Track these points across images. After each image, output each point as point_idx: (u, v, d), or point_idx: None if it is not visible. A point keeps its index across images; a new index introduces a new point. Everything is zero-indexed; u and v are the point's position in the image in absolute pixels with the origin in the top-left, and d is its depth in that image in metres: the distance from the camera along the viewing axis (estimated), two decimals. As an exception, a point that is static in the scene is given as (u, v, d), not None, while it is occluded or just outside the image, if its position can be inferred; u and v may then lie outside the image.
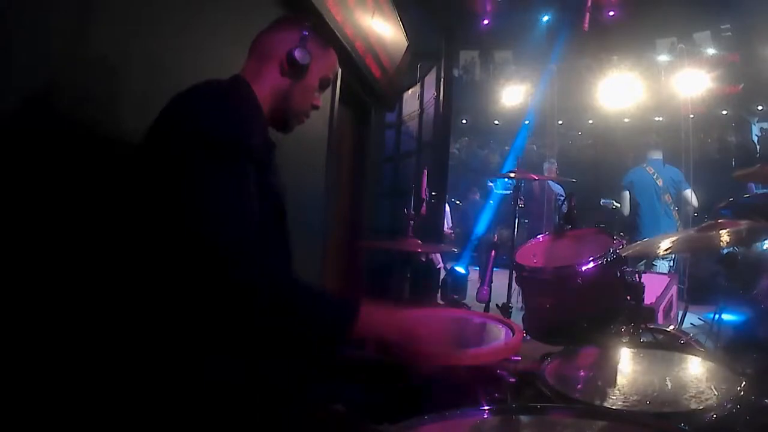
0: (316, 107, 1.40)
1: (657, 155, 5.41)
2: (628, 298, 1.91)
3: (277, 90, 1.31)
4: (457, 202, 9.28)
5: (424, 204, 3.27)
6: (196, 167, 1.05)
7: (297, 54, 1.27)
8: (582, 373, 1.50)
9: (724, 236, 1.61)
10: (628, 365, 1.55)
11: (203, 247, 1.01)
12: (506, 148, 10.94)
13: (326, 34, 1.39)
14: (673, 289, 3.73)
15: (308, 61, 1.29)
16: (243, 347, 1.10)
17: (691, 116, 6.90)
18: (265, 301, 1.03)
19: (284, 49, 1.29)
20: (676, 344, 1.86)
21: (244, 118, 1.17)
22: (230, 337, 1.08)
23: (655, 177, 5.26)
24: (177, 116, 1.13)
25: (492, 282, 3.58)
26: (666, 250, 1.82)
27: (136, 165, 1.15)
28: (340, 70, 3.51)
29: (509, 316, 2.83)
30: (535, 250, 2.29)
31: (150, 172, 1.10)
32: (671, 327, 2.35)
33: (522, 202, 3.39)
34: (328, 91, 3.41)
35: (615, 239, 2.02)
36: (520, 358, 1.51)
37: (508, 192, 8.38)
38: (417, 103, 6.38)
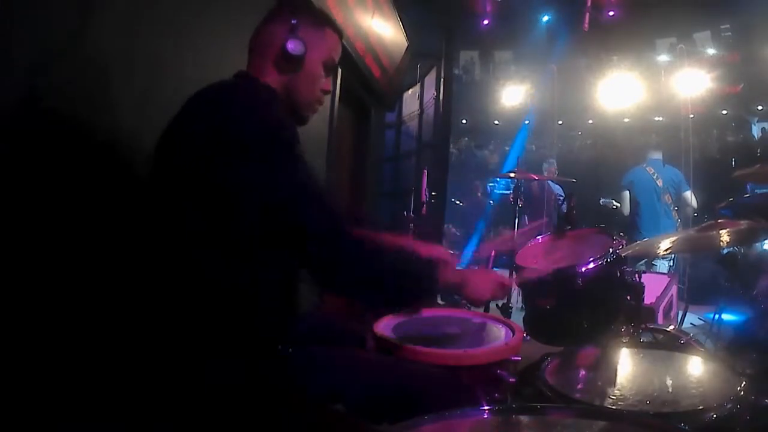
0: (327, 92, 1.39)
1: (656, 155, 5.40)
2: (628, 298, 1.91)
3: (281, 85, 1.31)
4: (458, 202, 9.27)
5: (425, 205, 3.28)
6: (268, 162, 1.11)
7: (290, 46, 1.26)
8: (582, 373, 1.50)
9: (724, 236, 1.61)
10: (628, 365, 1.55)
11: (302, 230, 1.12)
12: (506, 148, 10.93)
13: (319, 16, 1.37)
14: (673, 289, 3.72)
15: (303, 51, 1.28)
16: (241, 347, 1.10)
17: (691, 116, 6.88)
18: (361, 264, 1.17)
19: (278, 42, 1.28)
20: (676, 344, 1.85)
21: (278, 111, 1.22)
22: (227, 337, 1.08)
23: (655, 177, 5.26)
24: (212, 116, 1.14)
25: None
26: (666, 250, 1.81)
27: (162, 166, 1.16)
28: (340, 71, 3.52)
29: (509, 316, 2.83)
30: (535, 251, 2.29)
31: (189, 171, 1.11)
32: (671, 327, 2.34)
33: (522, 202, 3.39)
34: (328, 91, 3.41)
35: (615, 239, 2.02)
36: (520, 358, 1.51)
37: (508, 192, 8.37)
38: (417, 103, 6.38)
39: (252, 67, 1.33)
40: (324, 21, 1.37)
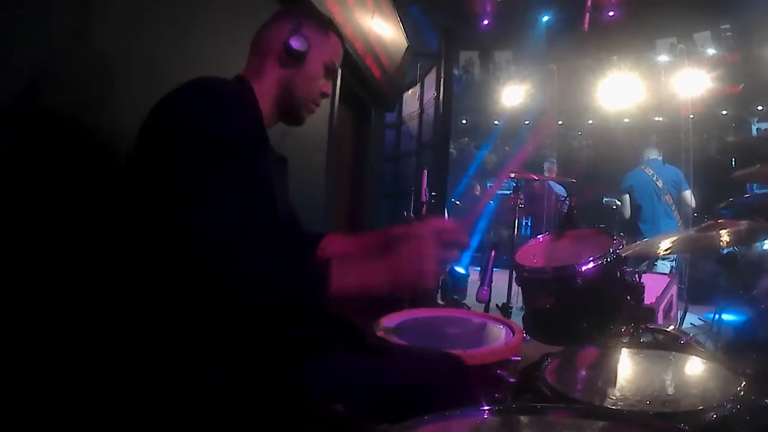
0: (325, 95, 1.39)
1: (654, 155, 5.40)
2: (628, 298, 1.91)
3: (279, 82, 1.31)
4: (457, 202, 9.27)
5: (424, 205, 3.28)
6: (174, 159, 1.05)
7: (293, 42, 1.26)
8: (582, 373, 1.50)
9: (724, 236, 1.61)
10: (628, 365, 1.55)
11: (180, 239, 1.00)
12: (506, 148, 10.94)
13: (323, 20, 1.37)
14: (673, 289, 3.73)
15: (306, 48, 1.28)
16: (241, 347, 1.10)
17: (691, 116, 6.89)
18: (240, 293, 1.01)
19: (281, 39, 1.28)
20: (676, 344, 1.86)
21: (229, 113, 1.14)
22: (227, 337, 1.08)
23: (654, 178, 5.25)
24: (164, 109, 1.13)
25: (492, 282, 3.58)
26: (666, 250, 1.82)
27: (130, 162, 1.15)
28: (340, 71, 3.52)
29: (509, 316, 2.84)
30: (535, 250, 2.30)
31: (139, 167, 1.11)
32: (671, 327, 2.35)
33: (522, 202, 3.40)
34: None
35: (615, 239, 2.02)
36: (520, 358, 1.51)
37: (508, 192, 8.38)
38: (417, 103, 6.38)
39: (249, 67, 1.33)
40: (328, 25, 1.38)
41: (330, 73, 1.39)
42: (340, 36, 1.41)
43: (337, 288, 1.08)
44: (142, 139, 1.13)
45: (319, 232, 1.55)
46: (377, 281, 1.13)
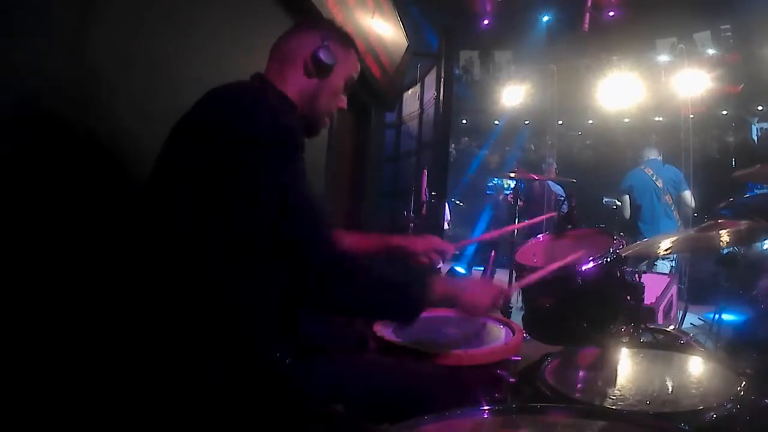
0: (341, 108, 1.44)
1: (654, 155, 5.39)
2: (628, 298, 1.91)
3: (303, 91, 1.32)
4: (458, 202, 9.26)
5: (424, 205, 3.28)
6: (265, 163, 1.11)
7: (322, 54, 1.29)
8: (582, 373, 1.50)
9: (724, 236, 1.61)
10: (628, 365, 1.55)
11: (290, 238, 1.12)
12: (506, 148, 10.93)
13: (347, 35, 1.41)
14: (673, 289, 3.72)
15: (333, 61, 1.31)
16: (241, 347, 1.10)
17: (691, 116, 6.89)
18: (345, 275, 1.18)
19: (307, 50, 1.30)
20: (676, 344, 1.86)
21: (291, 116, 1.24)
22: (227, 337, 1.08)
23: (654, 178, 5.25)
24: (229, 117, 1.14)
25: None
26: (666, 250, 1.81)
27: (168, 162, 1.16)
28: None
29: (509, 316, 2.83)
30: (535, 250, 2.30)
31: (201, 170, 1.11)
32: (671, 327, 2.35)
33: (522, 202, 3.40)
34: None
35: (615, 239, 2.02)
36: (520, 358, 1.51)
37: (508, 192, 8.37)
38: (417, 103, 6.38)
39: (270, 72, 1.34)
40: (350, 42, 1.41)
41: (348, 89, 1.42)
42: (358, 52, 1.45)
43: (436, 294, 1.29)
44: (199, 141, 1.13)
45: None
46: (451, 294, 1.33)
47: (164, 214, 1.12)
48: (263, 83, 1.30)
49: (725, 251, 3.09)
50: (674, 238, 1.83)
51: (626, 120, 8.84)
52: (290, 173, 1.14)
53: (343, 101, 1.42)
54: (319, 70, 1.31)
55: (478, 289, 1.38)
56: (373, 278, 1.23)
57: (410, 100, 6.51)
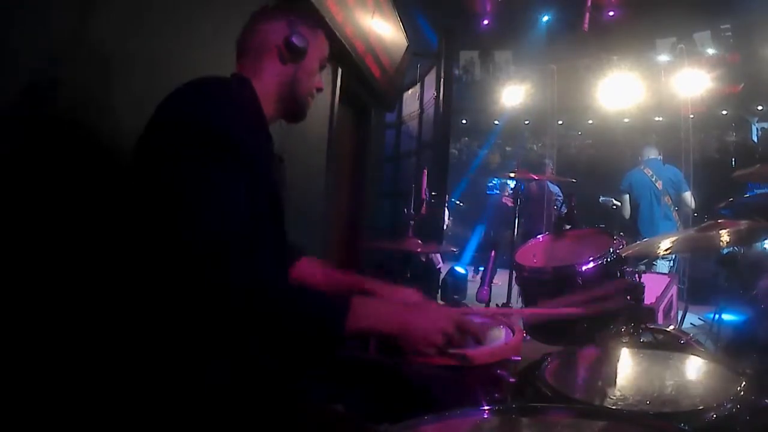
0: (320, 90, 1.42)
1: (653, 154, 5.39)
2: (628, 298, 1.91)
3: (282, 79, 1.32)
4: (458, 202, 9.27)
5: (424, 204, 3.28)
6: (174, 161, 1.03)
7: (295, 39, 1.29)
8: (582, 373, 1.50)
9: (724, 236, 1.61)
10: (628, 365, 1.55)
11: (180, 244, 0.98)
12: (507, 148, 10.95)
13: (314, 17, 1.40)
14: (673, 289, 3.73)
15: (306, 44, 1.31)
16: (241, 347, 1.10)
17: (691, 116, 6.90)
18: (241, 302, 0.97)
19: (278, 38, 1.30)
20: (676, 344, 1.86)
21: (232, 113, 1.13)
22: (227, 337, 1.08)
23: (653, 179, 5.24)
24: (165, 110, 1.12)
25: (492, 282, 3.58)
26: (666, 250, 1.82)
27: (133, 162, 1.15)
28: (340, 71, 3.52)
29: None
30: (535, 250, 2.30)
31: (141, 167, 1.10)
32: (671, 327, 2.35)
33: (521, 202, 3.40)
34: (328, 91, 3.42)
35: (615, 239, 2.02)
36: (520, 358, 1.51)
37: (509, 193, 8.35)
38: (417, 103, 6.38)
39: (243, 67, 1.32)
40: (318, 22, 1.42)
41: (322, 68, 1.42)
42: (326, 32, 1.44)
43: (352, 325, 1.02)
44: (143, 140, 1.13)
45: (298, 249, 1.49)
46: (389, 326, 1.07)
47: (135, 214, 1.11)
48: (231, 79, 1.28)
49: (725, 251, 3.09)
50: (674, 238, 1.83)
51: (626, 120, 8.85)
52: (202, 177, 1.01)
53: (320, 82, 1.42)
54: (294, 55, 1.31)
55: (426, 319, 1.09)
56: (285, 308, 1.01)
57: (410, 100, 6.51)
